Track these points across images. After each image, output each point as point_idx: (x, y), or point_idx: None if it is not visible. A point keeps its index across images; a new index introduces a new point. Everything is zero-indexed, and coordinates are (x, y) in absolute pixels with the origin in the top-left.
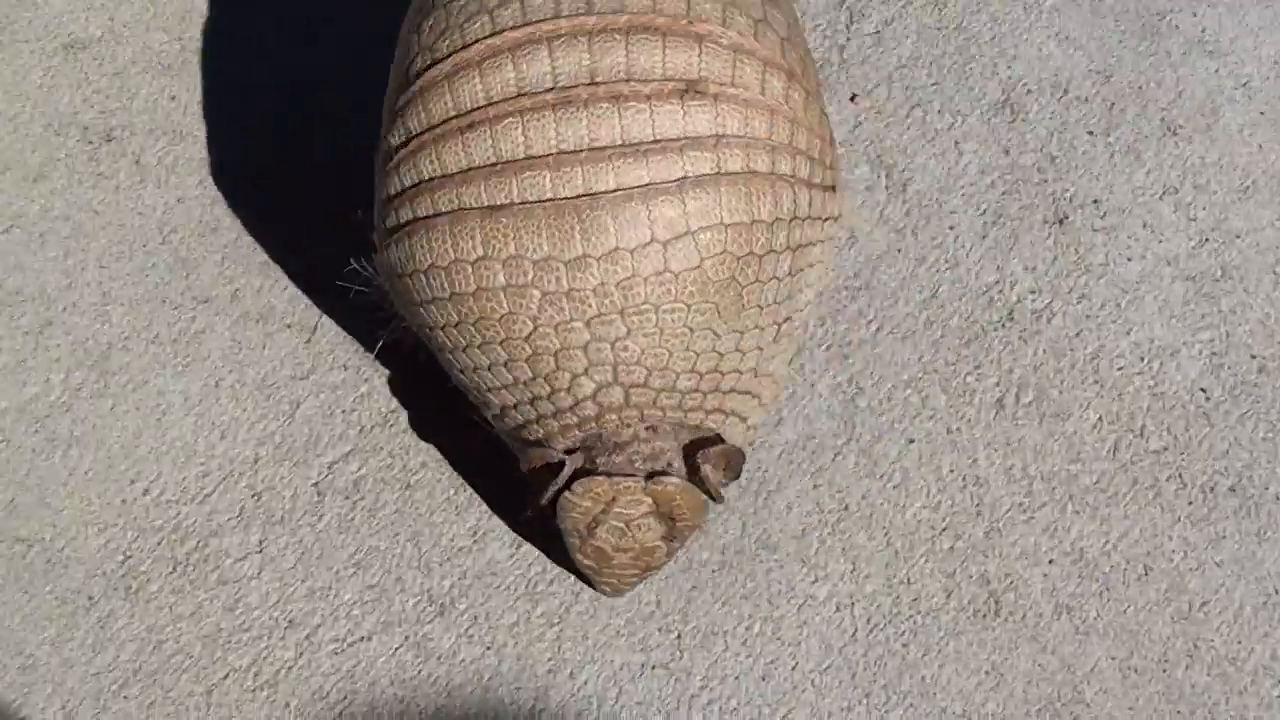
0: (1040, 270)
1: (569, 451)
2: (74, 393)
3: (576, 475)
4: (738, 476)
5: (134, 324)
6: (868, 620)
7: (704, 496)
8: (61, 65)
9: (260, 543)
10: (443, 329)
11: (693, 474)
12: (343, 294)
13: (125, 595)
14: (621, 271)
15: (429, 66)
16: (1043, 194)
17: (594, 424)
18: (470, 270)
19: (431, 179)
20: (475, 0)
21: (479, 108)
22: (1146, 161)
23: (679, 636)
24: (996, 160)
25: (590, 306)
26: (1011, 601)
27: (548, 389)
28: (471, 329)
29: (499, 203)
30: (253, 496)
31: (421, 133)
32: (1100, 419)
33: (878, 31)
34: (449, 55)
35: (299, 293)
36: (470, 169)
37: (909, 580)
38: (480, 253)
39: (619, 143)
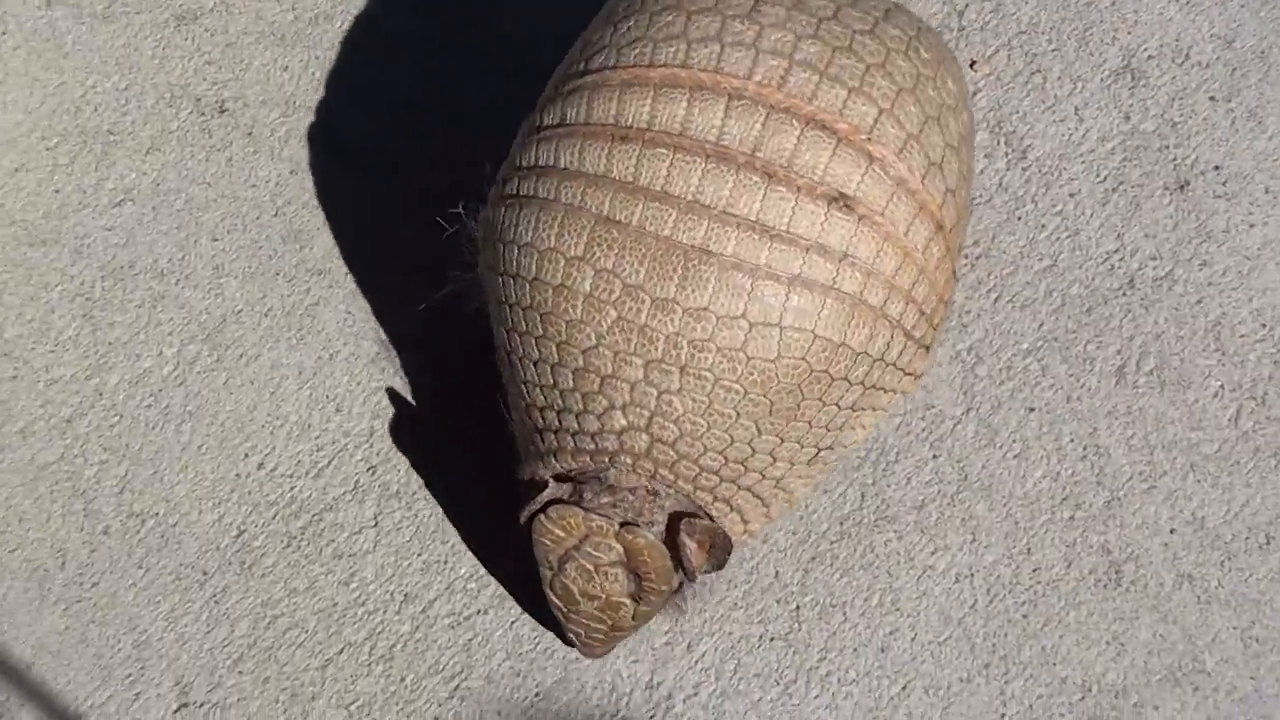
0: (1161, 237)
1: (562, 478)
2: (187, 366)
3: (554, 502)
4: (720, 567)
5: (247, 297)
6: (987, 591)
7: (670, 563)
8: (173, 36)
9: (375, 516)
10: (511, 306)
11: (670, 540)
12: (459, 266)
13: (240, 570)
14: (701, 332)
15: (609, 67)
16: (1164, 160)
17: (606, 460)
18: (563, 264)
19: (565, 168)
20: (679, 23)
21: (638, 127)
22: (1269, 127)
23: (797, 608)
24: (1117, 126)
25: (656, 349)
26: (1133, 571)
27: (580, 407)
28: (538, 318)
29: (618, 218)
30: (368, 470)
31: (575, 123)
32: (1222, 387)
33: (995, 3)
34: (632, 65)
35: (413, 265)
36: (605, 176)
37: (1029, 550)
38: (579, 253)
39: (752, 218)
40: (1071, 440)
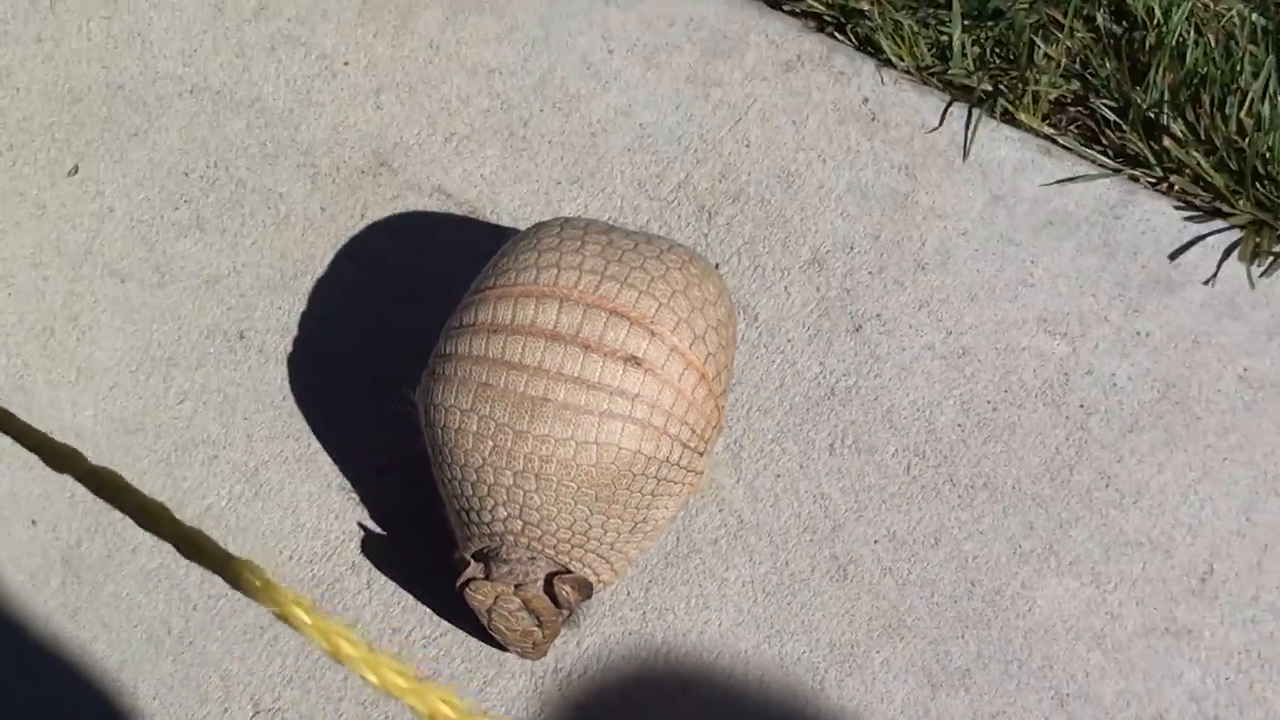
0: (848, 361)
1: (476, 555)
2: (237, 499)
3: (470, 581)
4: (588, 598)
5: (271, 451)
6: (764, 591)
7: (551, 604)
8: (206, 293)
9: (369, 581)
10: (433, 445)
11: (548, 589)
12: (415, 427)
13: (284, 625)
14: (545, 450)
15: (489, 287)
16: (844, 313)
17: (498, 539)
18: (458, 415)
19: (461, 354)
20: (533, 257)
21: (503, 324)
22: (908, 287)
23: (644, 612)
24: (812, 294)
25: (519, 464)
26: (853, 569)
27: (477, 505)
28: (446, 452)
29: (491, 383)
30: (363, 553)
31: (466, 324)
32: (896, 450)
33: (727, 224)
34: (502, 285)
35: (384, 428)
36: (484, 356)
37: (787, 563)
38: (467, 406)
39: (575, 376)
40: (805, 492)
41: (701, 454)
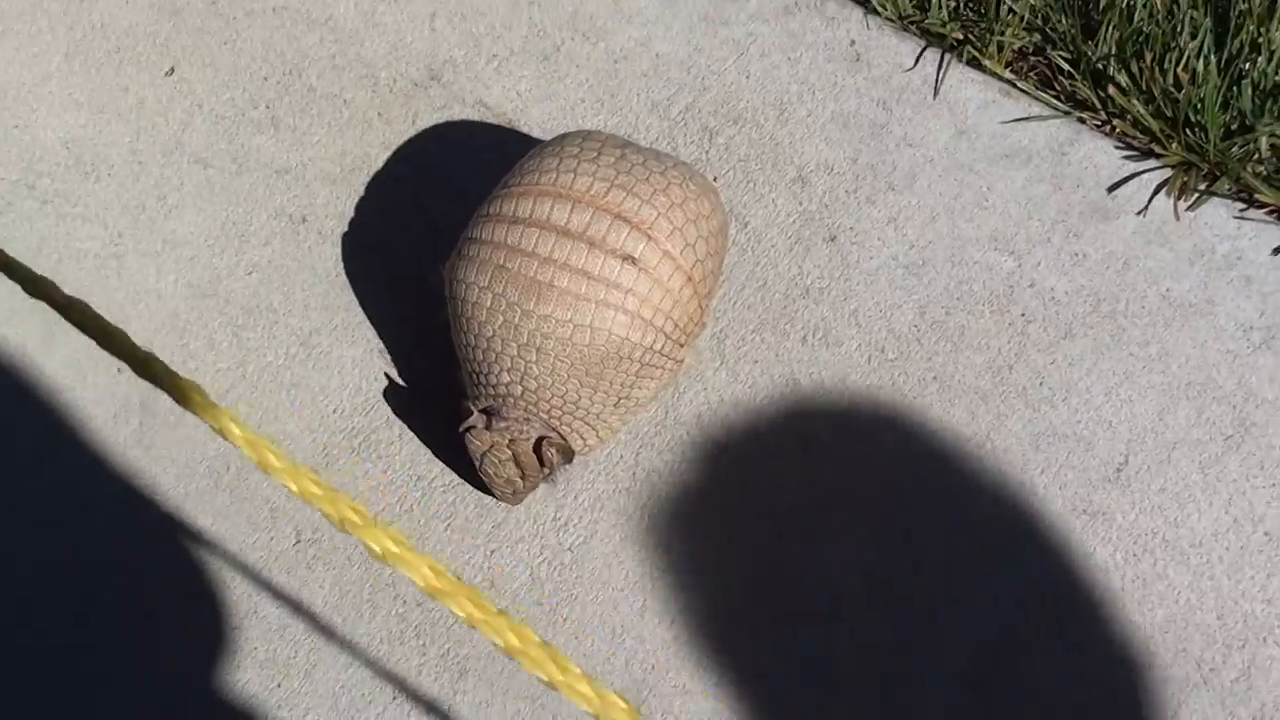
0: (823, 266)
1: (482, 410)
2: (292, 359)
3: (470, 428)
4: (569, 462)
5: (324, 319)
6: (737, 458)
7: (537, 461)
8: (275, 181)
9: (400, 433)
10: (453, 315)
11: (536, 449)
12: (441, 299)
13: (325, 466)
14: (546, 328)
15: (514, 184)
16: (822, 225)
17: (501, 400)
18: (476, 291)
19: (483, 239)
20: (554, 163)
21: (522, 217)
22: (879, 204)
23: (634, 473)
24: (795, 208)
25: (524, 338)
26: (815, 443)
27: (486, 369)
28: (464, 321)
29: (507, 266)
30: (393, 408)
31: (491, 214)
32: (859, 344)
33: (726, 144)
34: (524, 184)
35: (417, 300)
36: (503, 243)
37: (759, 436)
38: (485, 284)
39: (579, 267)
40: (779, 376)
41: (682, 345)
